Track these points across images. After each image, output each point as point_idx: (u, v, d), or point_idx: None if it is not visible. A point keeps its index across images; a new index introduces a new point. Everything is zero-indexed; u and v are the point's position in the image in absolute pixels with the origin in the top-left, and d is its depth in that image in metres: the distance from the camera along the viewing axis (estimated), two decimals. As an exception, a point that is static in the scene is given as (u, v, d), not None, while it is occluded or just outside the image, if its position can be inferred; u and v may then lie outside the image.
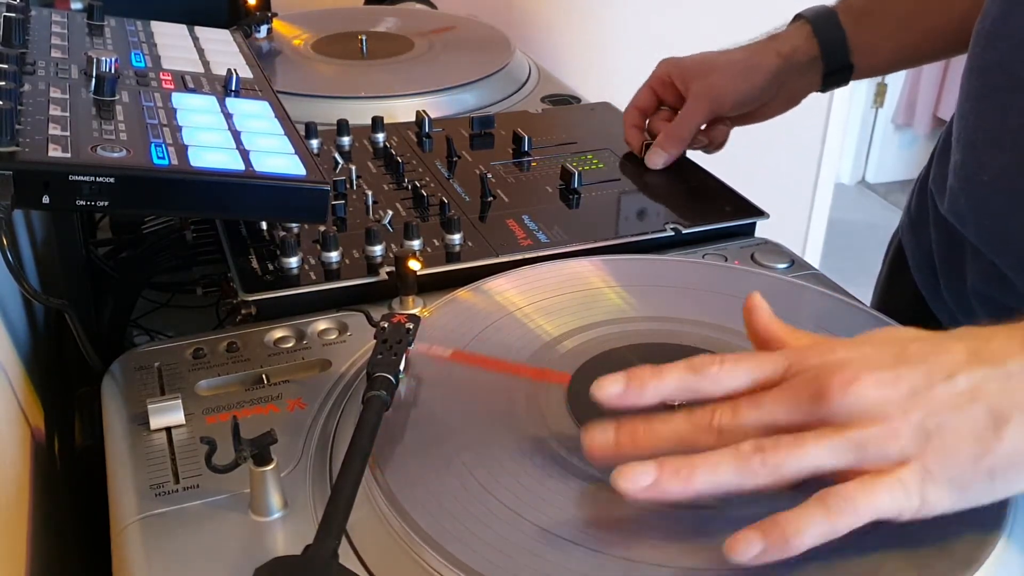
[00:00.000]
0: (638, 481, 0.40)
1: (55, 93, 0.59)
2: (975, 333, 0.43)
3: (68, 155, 0.51)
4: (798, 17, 0.81)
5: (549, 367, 0.52)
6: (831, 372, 0.41)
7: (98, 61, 0.61)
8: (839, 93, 2.05)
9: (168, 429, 0.51)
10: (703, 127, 0.82)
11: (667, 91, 0.83)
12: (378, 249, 0.64)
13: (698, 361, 0.44)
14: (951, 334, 0.43)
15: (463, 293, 0.61)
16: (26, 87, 0.58)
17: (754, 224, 0.73)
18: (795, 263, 0.68)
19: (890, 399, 0.40)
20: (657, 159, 0.80)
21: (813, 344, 0.45)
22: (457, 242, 0.66)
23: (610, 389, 0.44)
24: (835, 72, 0.80)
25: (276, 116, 0.66)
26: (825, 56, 0.79)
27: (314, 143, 0.80)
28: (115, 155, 0.53)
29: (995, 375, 0.41)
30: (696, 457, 0.41)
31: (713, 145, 0.83)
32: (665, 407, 0.45)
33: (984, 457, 0.40)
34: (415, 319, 0.53)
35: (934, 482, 0.40)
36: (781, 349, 0.45)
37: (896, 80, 3.38)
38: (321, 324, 0.60)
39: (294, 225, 0.67)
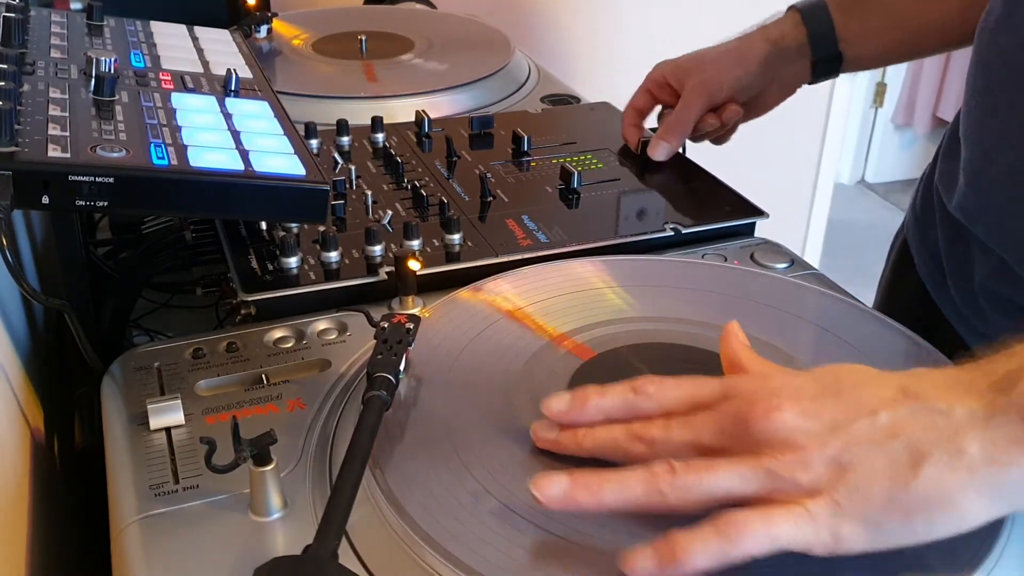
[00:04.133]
0: (552, 491, 0.41)
1: (55, 93, 0.59)
2: (915, 373, 0.43)
3: (68, 155, 0.51)
4: (791, 8, 0.82)
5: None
6: (757, 399, 0.41)
7: (98, 61, 0.61)
8: (838, 93, 2.06)
9: (168, 429, 0.51)
10: (715, 112, 0.82)
11: (663, 91, 0.85)
12: (378, 249, 0.64)
13: (640, 381, 0.45)
14: (893, 373, 0.43)
15: (463, 293, 0.61)
16: (25, 87, 0.58)
17: (754, 224, 0.73)
18: (795, 263, 0.68)
19: (809, 430, 0.40)
20: (660, 151, 0.81)
21: (756, 374, 0.45)
22: (457, 242, 0.66)
23: (556, 406, 0.46)
24: (824, 61, 0.81)
25: (276, 116, 0.66)
26: (813, 43, 0.80)
27: (314, 143, 0.80)
28: (114, 155, 0.53)
29: (920, 412, 0.40)
30: (609, 472, 0.42)
31: (724, 128, 0.84)
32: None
33: (899, 495, 0.39)
34: (415, 319, 0.53)
35: (846, 517, 0.39)
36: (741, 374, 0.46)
37: (896, 80, 3.38)
38: (321, 324, 0.60)
39: (294, 225, 0.67)
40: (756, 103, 0.84)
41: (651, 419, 0.44)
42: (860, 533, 0.39)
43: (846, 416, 0.40)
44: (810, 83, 0.83)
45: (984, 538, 0.42)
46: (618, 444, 0.44)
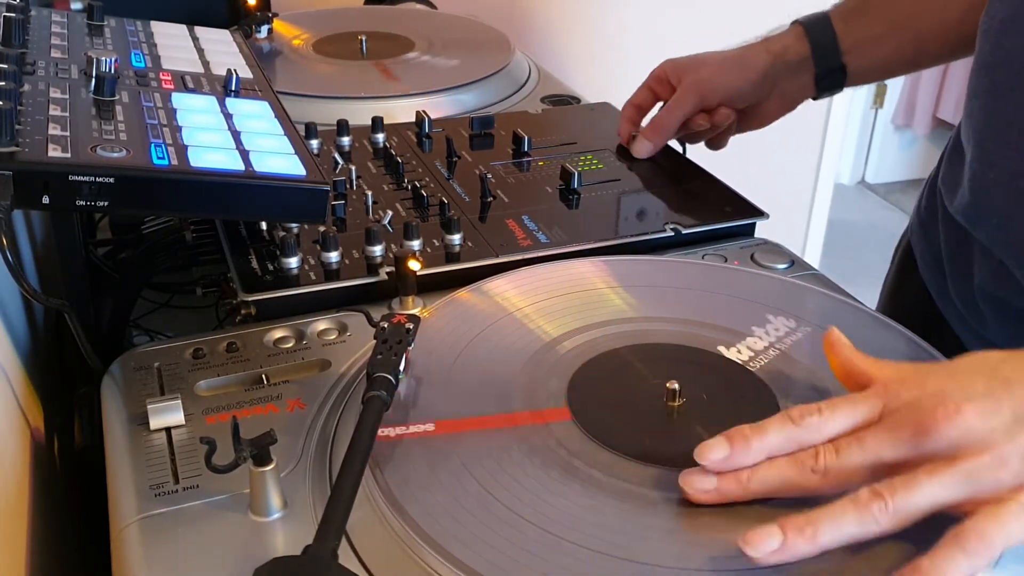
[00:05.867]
0: (767, 546, 0.40)
1: (55, 93, 0.59)
2: None
3: (68, 155, 0.51)
4: (794, 22, 0.82)
5: (546, 407, 0.51)
6: (932, 405, 0.41)
7: (98, 61, 0.61)
8: (838, 93, 2.05)
9: (168, 429, 0.51)
10: (706, 114, 0.82)
11: (664, 89, 0.85)
12: (378, 249, 0.64)
13: (796, 412, 0.44)
14: None
15: (463, 293, 0.61)
16: (26, 87, 0.58)
17: (754, 224, 0.73)
18: (795, 263, 0.68)
19: (995, 427, 0.41)
20: (641, 148, 0.81)
21: (904, 378, 0.45)
22: (457, 242, 0.66)
23: (715, 454, 0.44)
24: (827, 75, 0.80)
25: (276, 116, 0.66)
26: (816, 56, 0.80)
27: (314, 143, 0.80)
28: (115, 155, 0.53)
29: None
30: (817, 512, 0.41)
31: (716, 130, 0.83)
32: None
33: None
34: (415, 319, 0.53)
35: None
36: (869, 383, 0.46)
37: (896, 80, 3.37)
38: (321, 324, 0.60)
39: (294, 225, 0.67)
40: (755, 114, 0.84)
41: (817, 446, 0.43)
42: None
43: None
44: (814, 98, 0.83)
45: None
46: (790, 481, 0.43)
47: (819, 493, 0.42)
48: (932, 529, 0.40)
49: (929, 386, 0.43)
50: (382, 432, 0.47)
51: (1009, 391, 0.42)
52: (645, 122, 0.85)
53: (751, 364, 0.54)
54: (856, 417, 0.43)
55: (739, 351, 0.55)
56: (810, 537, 0.40)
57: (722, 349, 0.55)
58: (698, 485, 0.44)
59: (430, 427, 0.48)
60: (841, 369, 0.48)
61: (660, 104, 0.86)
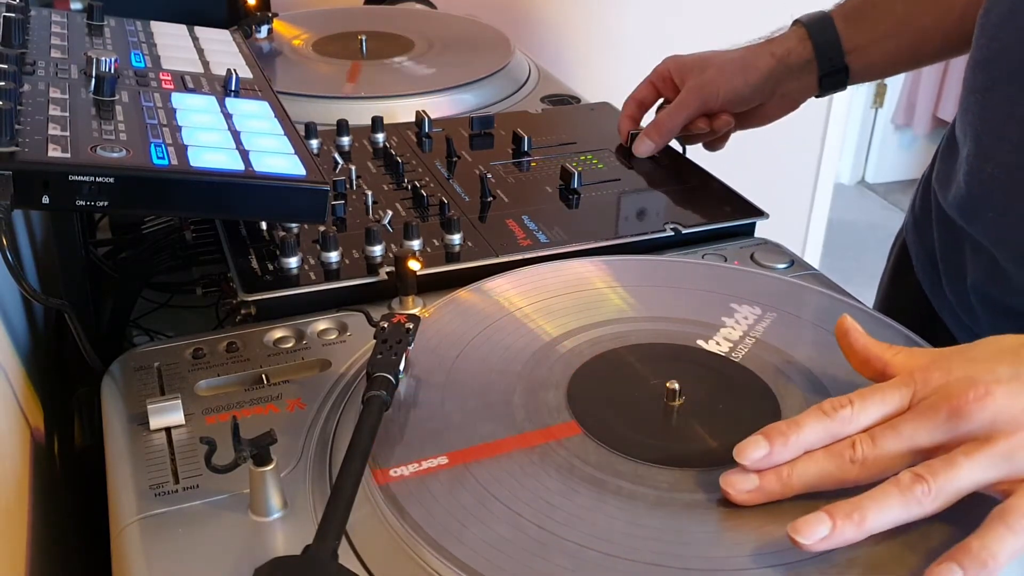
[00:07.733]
0: (816, 534, 0.41)
1: (55, 93, 0.59)
2: None
3: (68, 155, 0.51)
4: (796, 22, 0.82)
5: (551, 425, 0.50)
6: (962, 389, 0.43)
7: (98, 61, 0.61)
8: (839, 93, 2.05)
9: (168, 429, 0.51)
10: (707, 119, 0.82)
11: (666, 86, 0.85)
12: (378, 249, 0.64)
13: (828, 406, 0.45)
14: None
15: (463, 293, 0.61)
16: (26, 87, 0.58)
17: (754, 224, 0.73)
18: (795, 263, 0.68)
19: None
20: (643, 148, 0.81)
21: (927, 364, 0.46)
22: (457, 242, 0.66)
23: (755, 453, 0.44)
24: (830, 74, 0.81)
25: (276, 116, 0.66)
26: (819, 58, 0.80)
27: (314, 143, 0.80)
28: (115, 155, 0.53)
29: None
30: (862, 498, 0.42)
31: (714, 135, 0.84)
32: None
33: None
34: (415, 319, 0.53)
35: None
36: (885, 369, 0.47)
37: (896, 80, 3.38)
38: (321, 324, 0.60)
39: (294, 225, 0.67)
40: (756, 114, 0.84)
41: (853, 437, 0.44)
42: None
43: None
44: (817, 96, 0.83)
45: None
46: (829, 473, 0.43)
47: (858, 483, 0.43)
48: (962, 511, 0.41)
49: (956, 371, 0.44)
50: (395, 472, 0.46)
51: None
52: (646, 119, 0.86)
53: (732, 354, 0.55)
54: (887, 406, 0.44)
55: (718, 343, 0.56)
56: (858, 522, 0.41)
57: (701, 343, 0.56)
58: (740, 486, 0.44)
59: (443, 460, 0.47)
60: (857, 356, 0.49)
61: (661, 100, 0.86)
